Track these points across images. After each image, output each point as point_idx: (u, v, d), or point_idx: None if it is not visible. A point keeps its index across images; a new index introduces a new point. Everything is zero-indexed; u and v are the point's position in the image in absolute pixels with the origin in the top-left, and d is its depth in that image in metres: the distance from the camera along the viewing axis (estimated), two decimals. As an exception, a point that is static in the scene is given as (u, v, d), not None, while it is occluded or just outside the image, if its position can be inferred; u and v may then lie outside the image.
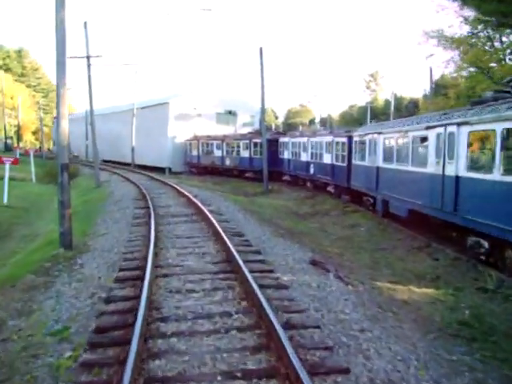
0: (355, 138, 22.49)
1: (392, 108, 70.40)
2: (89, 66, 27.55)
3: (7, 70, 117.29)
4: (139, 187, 24.10)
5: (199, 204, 17.10)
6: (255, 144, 37.22)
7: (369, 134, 20.33)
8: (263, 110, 30.98)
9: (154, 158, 48.48)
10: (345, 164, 24.07)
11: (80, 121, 61.04)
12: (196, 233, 12.80)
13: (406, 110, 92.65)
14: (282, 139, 35.78)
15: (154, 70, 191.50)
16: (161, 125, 47.62)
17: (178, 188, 23.11)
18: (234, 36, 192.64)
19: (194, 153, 45.35)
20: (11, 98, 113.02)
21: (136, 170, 43.88)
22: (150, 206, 16.62)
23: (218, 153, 42.03)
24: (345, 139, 24.14)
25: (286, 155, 34.04)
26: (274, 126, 77.59)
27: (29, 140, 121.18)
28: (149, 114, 49.92)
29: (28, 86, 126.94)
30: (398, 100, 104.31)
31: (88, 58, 27.56)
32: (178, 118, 46.48)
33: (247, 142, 38.09)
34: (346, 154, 24.00)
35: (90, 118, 29.39)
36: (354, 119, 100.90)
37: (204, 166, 44.28)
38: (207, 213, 14.84)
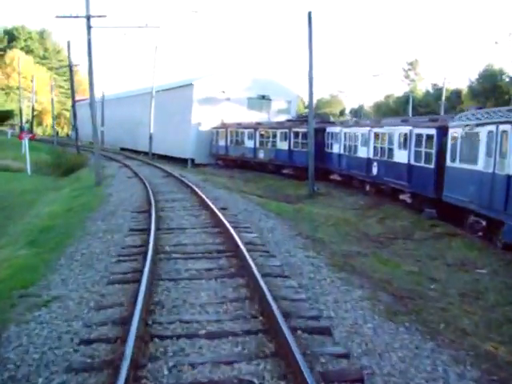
0: (454, 130, 15.56)
1: (443, 98, 62.38)
2: (89, 28, 21.18)
3: (28, 51, 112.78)
4: (148, 189, 17.70)
5: (230, 227, 10.60)
6: (296, 134, 30.50)
7: (488, 123, 13.41)
8: (311, 91, 24.16)
9: (174, 147, 42.20)
10: (431, 166, 17.19)
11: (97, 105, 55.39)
12: (234, 325, 6.08)
13: (449, 101, 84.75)
14: (330, 129, 28.91)
15: (177, 47, 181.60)
16: (183, 110, 41.24)
17: (200, 193, 16.57)
18: (269, 6, 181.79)
19: (222, 143, 38.88)
20: (31, 80, 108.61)
21: (153, 161, 37.70)
22: (152, 231, 10.14)
23: (249, 143, 35.45)
24: (433, 131, 17.20)
25: (336, 149, 27.20)
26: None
27: (50, 124, 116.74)
28: (170, 97, 43.57)
29: (50, 69, 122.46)
30: (438, 91, 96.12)
31: (88, 18, 21.21)
32: (203, 103, 39.94)
33: (286, 131, 31.36)
34: (433, 151, 17.10)
35: (90, 97, 23.03)
36: (391, 110, 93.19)
37: (233, 159, 37.79)
38: (246, 253, 8.34)
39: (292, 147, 30.69)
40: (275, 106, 44.31)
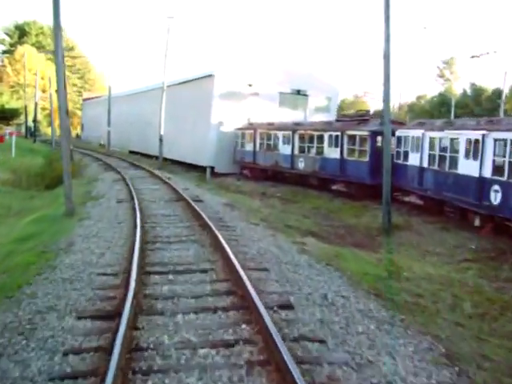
0: None
1: (503, 96, 53.61)
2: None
3: (40, 47, 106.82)
4: (136, 235, 10.04)
5: None
6: (351, 138, 22.69)
7: None
8: (388, 72, 16.23)
9: (190, 152, 34.64)
10: None
11: (104, 104, 48.43)
12: None
13: (490, 101, 76.15)
14: (403, 132, 20.98)
15: (195, 37, 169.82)
16: (202, 106, 33.55)
17: (229, 251, 8.78)
18: None
19: (248, 148, 31.12)
20: (42, 78, 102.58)
21: (163, 169, 30.23)
22: None
23: (284, 149, 27.67)
24: None
25: (414, 160, 19.23)
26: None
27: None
28: (186, 91, 36.10)
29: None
30: (477, 91, 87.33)
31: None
32: (225, 97, 32.28)
33: (337, 134, 23.50)
34: None
35: (57, 72, 15.43)
36: (426, 111, 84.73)
37: (262, 168, 30.02)
38: None
39: (346, 156, 22.85)
40: (312, 103, 36.39)
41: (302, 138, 26.54)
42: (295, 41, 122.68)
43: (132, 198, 16.12)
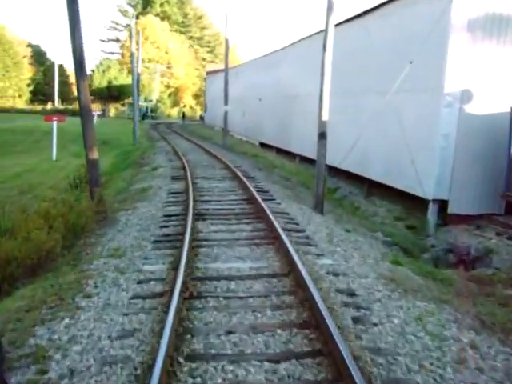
0: None
1: None
2: None
3: (165, 17, 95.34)
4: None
5: None
6: None
7: None
8: None
9: (384, 159, 16.09)
10: None
11: (232, 76, 31.45)
12: None
13: None
14: None
15: None
16: (417, 57, 14.45)
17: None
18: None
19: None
20: (166, 52, 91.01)
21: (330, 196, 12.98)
22: None
23: None
24: None
25: None
26: None
27: (188, 104, 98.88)
28: (375, 31, 17.35)
29: (190, 38, 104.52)
30: None
31: None
32: (479, 31, 13.22)
33: None
34: None
35: None
36: None
37: None
38: None
39: None
40: None
41: None
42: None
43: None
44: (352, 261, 7.88)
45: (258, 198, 11.51)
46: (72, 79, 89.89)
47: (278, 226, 8.63)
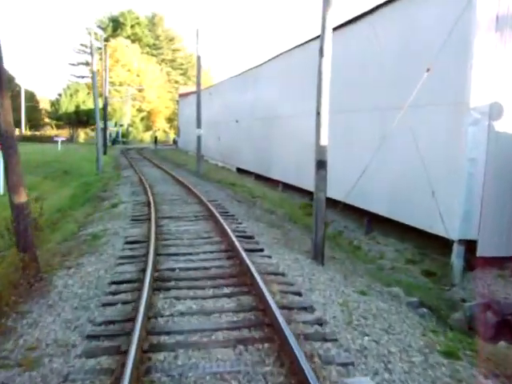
0: None
1: None
2: None
3: (136, 40, 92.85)
4: None
5: None
6: None
7: None
8: None
9: (400, 193, 13.04)
10: None
11: (206, 97, 28.40)
12: None
13: None
14: None
15: None
16: (436, 63, 11.48)
17: None
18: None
19: None
20: (137, 75, 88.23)
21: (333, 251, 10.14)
22: None
23: None
24: None
25: None
26: None
27: (162, 128, 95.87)
28: (382, 32, 14.65)
29: (162, 61, 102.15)
30: None
31: None
32: (507, 38, 11.04)
33: None
34: None
35: None
36: None
37: None
38: None
39: None
40: None
41: None
42: None
43: None
44: (396, 367, 4.97)
45: (240, 249, 8.62)
46: (43, 104, 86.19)
47: (277, 313, 5.66)
